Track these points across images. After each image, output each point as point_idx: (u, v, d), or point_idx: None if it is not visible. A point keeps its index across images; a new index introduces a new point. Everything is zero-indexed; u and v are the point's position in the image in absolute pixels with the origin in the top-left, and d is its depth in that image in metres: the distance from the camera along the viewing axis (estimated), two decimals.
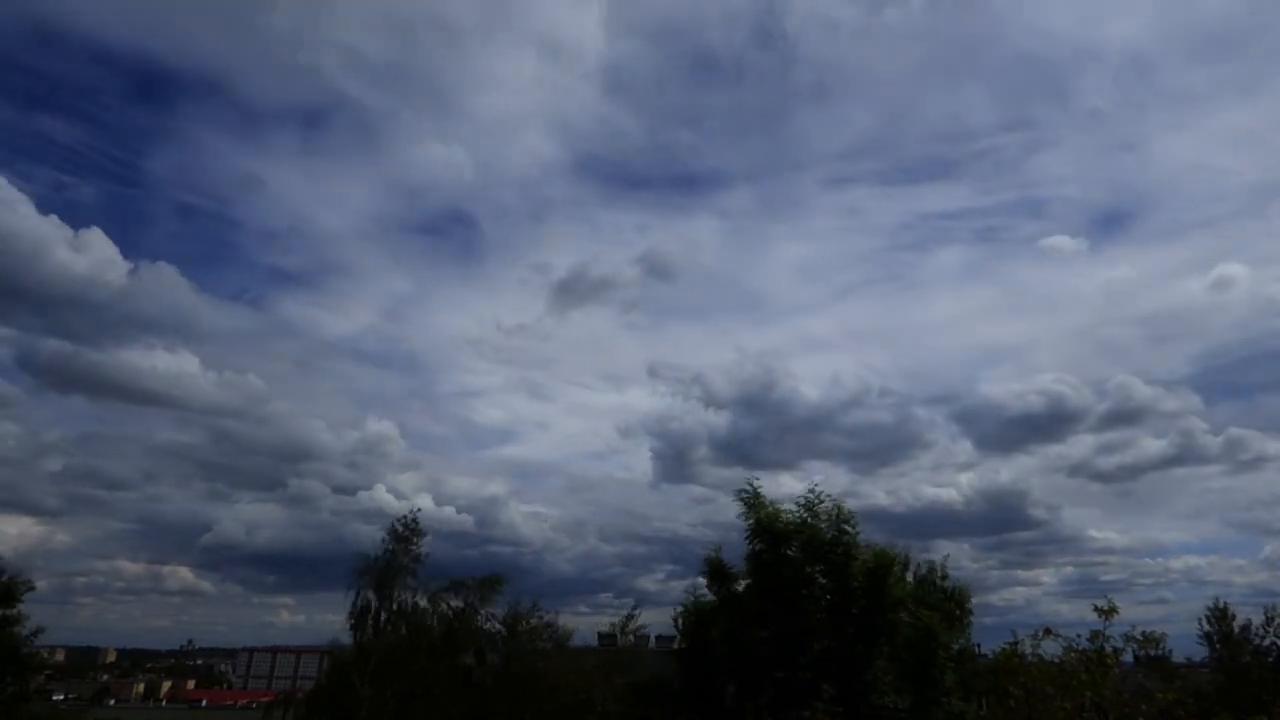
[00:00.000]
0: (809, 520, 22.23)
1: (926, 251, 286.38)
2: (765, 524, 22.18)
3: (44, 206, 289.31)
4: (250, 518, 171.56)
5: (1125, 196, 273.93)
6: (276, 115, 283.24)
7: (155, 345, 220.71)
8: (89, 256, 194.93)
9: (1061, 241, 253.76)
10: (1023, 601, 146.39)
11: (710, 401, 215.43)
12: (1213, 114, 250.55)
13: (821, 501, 22.48)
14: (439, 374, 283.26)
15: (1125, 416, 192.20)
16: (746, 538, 22.57)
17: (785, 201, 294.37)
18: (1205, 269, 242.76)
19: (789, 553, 22.02)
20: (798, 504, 22.64)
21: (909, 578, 25.63)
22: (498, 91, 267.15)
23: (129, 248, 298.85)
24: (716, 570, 23.20)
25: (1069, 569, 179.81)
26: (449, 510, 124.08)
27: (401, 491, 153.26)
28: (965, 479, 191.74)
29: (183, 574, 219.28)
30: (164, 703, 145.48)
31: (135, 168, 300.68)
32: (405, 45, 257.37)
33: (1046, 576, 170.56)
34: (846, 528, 22.11)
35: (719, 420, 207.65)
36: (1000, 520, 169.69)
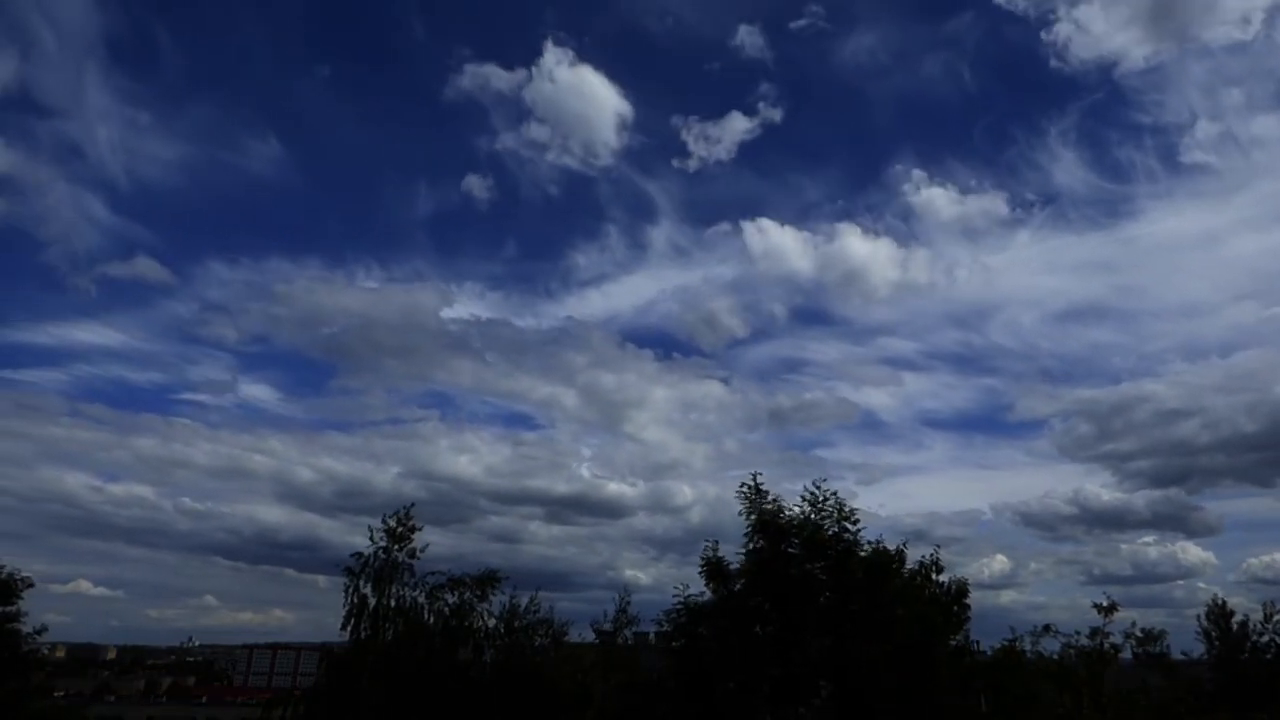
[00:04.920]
0: (812, 517, 22.15)
1: None
2: (766, 521, 22.09)
3: None
4: None
5: None
6: None
7: None
8: None
9: None
10: None
11: None
12: None
13: (825, 498, 22.41)
14: None
15: None
16: (746, 534, 22.49)
17: None
18: None
19: (790, 550, 21.93)
20: (802, 499, 22.56)
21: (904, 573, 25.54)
22: None
23: None
24: (715, 568, 22.93)
25: None
26: None
27: None
28: None
29: None
30: (164, 699, 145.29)
31: None
32: None
33: None
34: (848, 524, 22.03)
35: None
36: None
